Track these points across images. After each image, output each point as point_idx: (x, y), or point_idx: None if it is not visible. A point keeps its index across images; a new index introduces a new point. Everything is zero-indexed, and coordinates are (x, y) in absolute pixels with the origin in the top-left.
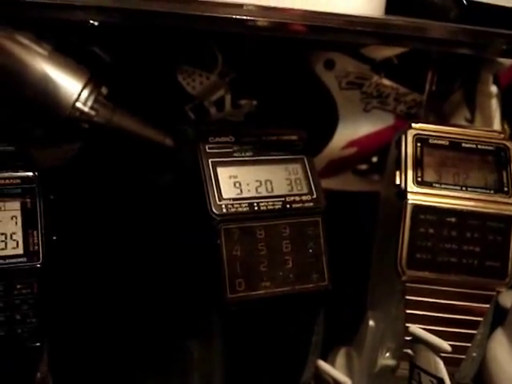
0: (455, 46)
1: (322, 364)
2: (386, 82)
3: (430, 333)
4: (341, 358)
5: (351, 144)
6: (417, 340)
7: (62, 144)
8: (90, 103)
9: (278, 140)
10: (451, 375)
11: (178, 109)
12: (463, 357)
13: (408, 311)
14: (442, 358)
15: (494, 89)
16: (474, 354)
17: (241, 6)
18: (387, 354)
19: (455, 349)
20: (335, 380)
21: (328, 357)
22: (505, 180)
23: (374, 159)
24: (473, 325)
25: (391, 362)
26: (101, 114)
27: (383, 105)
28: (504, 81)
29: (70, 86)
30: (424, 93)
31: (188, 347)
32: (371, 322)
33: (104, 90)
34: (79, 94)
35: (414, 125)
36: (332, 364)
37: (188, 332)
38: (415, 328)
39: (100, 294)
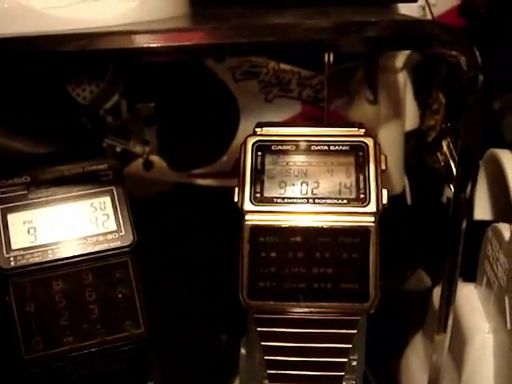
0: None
1: None
2: (285, 66)
3: (295, 364)
4: None
5: None
6: None
7: None
8: None
9: (83, 172)
10: None
11: (75, 123)
12: None
13: (263, 343)
14: None
15: (398, 63)
16: (353, 382)
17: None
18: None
19: (329, 379)
20: None
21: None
22: (361, 185)
23: None
24: (342, 353)
25: None
26: None
27: (286, 92)
28: None
29: None
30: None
31: None
32: (242, 350)
33: None
34: None
35: (256, 130)
36: None
37: None
38: None
39: None
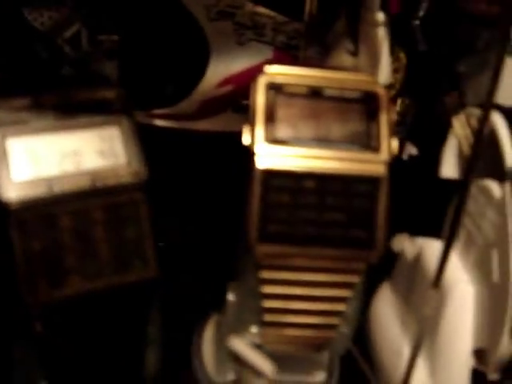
0: None
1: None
2: (262, 10)
3: (292, 312)
4: (210, 330)
5: (226, 81)
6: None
7: None
8: None
9: (90, 99)
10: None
11: (28, 50)
12: (333, 335)
13: (264, 290)
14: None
15: (380, 16)
16: (346, 331)
17: None
18: (253, 330)
19: (323, 327)
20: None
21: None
22: (373, 133)
23: None
24: (341, 300)
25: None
26: None
27: (260, 36)
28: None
29: None
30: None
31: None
32: (230, 296)
33: None
34: None
35: (267, 69)
36: (200, 334)
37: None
38: (236, 343)
39: None
